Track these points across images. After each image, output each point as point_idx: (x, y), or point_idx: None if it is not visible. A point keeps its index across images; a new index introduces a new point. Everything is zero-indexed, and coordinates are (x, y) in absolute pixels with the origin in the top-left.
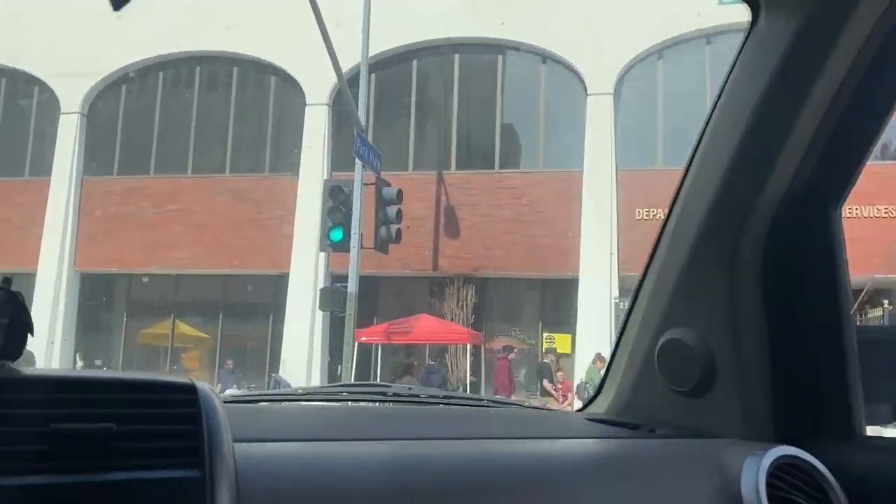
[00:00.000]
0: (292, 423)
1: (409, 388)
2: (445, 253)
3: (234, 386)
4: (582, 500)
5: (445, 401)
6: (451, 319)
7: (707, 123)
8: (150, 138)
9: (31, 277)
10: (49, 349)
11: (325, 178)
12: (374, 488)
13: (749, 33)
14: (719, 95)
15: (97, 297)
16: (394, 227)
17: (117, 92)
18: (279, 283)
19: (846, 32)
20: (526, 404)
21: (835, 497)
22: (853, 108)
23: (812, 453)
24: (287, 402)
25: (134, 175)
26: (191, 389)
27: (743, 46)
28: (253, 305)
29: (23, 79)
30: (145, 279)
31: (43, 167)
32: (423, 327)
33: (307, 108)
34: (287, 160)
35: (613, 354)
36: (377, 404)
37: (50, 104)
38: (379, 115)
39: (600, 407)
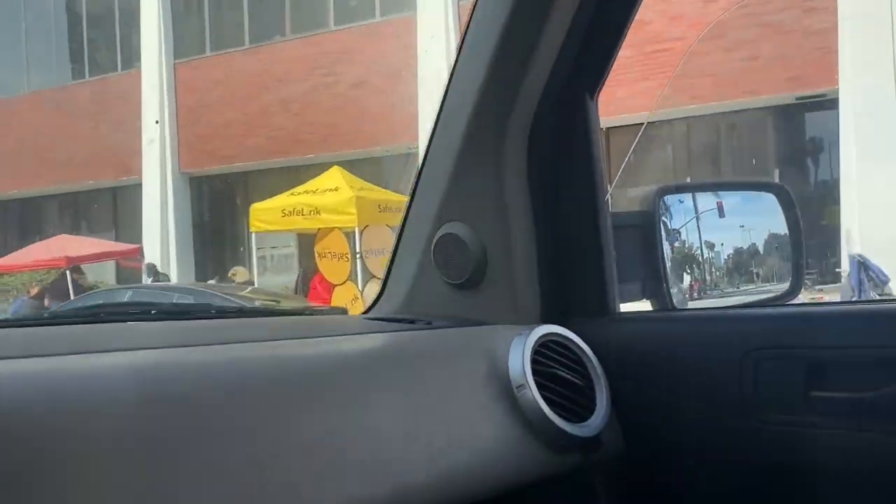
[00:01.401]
0: (27, 344)
1: (176, 305)
2: None
3: None
4: (356, 394)
5: (218, 314)
6: None
7: (469, 18)
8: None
9: (138, 189)
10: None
11: None
12: (112, 399)
13: None
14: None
15: (211, 203)
16: None
17: None
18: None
19: None
20: (309, 311)
21: (591, 366)
22: (601, 8)
23: (572, 331)
24: (36, 326)
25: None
26: None
27: None
28: None
29: None
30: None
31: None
32: None
33: None
34: None
35: (394, 253)
36: (140, 322)
37: None
38: None
39: (382, 308)
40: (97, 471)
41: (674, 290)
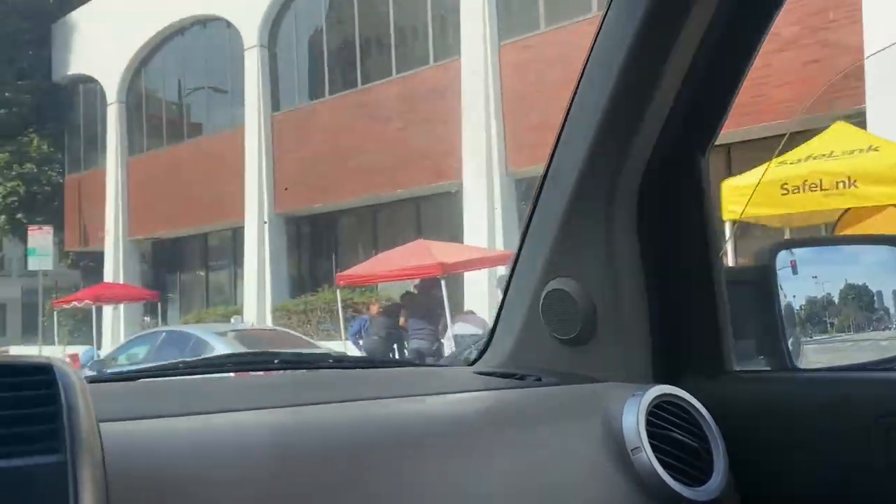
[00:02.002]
0: (167, 398)
1: (298, 355)
2: None
3: None
4: (469, 452)
5: (336, 364)
6: None
7: (581, 75)
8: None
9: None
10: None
11: None
12: (253, 458)
13: None
14: (591, 49)
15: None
16: None
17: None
18: None
19: None
20: (418, 362)
21: (707, 428)
22: (717, 59)
23: (687, 390)
24: (164, 378)
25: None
26: (46, 369)
27: (606, 11)
28: None
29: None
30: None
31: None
32: None
33: None
34: None
35: (501, 307)
36: (263, 373)
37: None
38: None
39: (489, 360)
40: None
41: (794, 349)
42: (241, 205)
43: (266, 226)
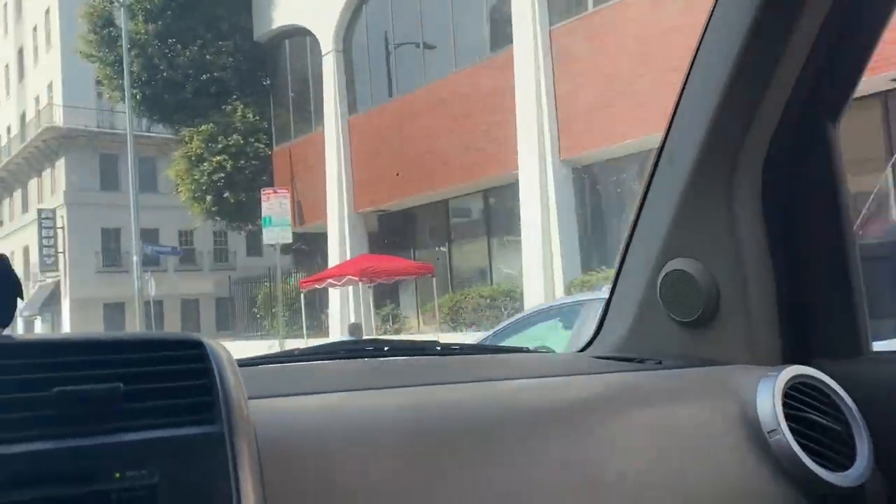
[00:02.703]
0: (298, 379)
1: (411, 343)
2: None
3: None
4: (595, 434)
5: (445, 351)
6: None
7: (699, 44)
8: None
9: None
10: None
11: None
12: (395, 434)
13: None
14: (709, 17)
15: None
16: None
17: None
18: None
19: None
20: (527, 349)
21: (848, 412)
22: (848, 22)
23: (822, 372)
24: (287, 363)
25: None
26: (197, 345)
27: None
28: None
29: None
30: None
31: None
32: None
33: None
34: None
35: (612, 290)
36: (378, 359)
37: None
38: None
39: (602, 345)
40: (372, 492)
41: None
42: (514, 154)
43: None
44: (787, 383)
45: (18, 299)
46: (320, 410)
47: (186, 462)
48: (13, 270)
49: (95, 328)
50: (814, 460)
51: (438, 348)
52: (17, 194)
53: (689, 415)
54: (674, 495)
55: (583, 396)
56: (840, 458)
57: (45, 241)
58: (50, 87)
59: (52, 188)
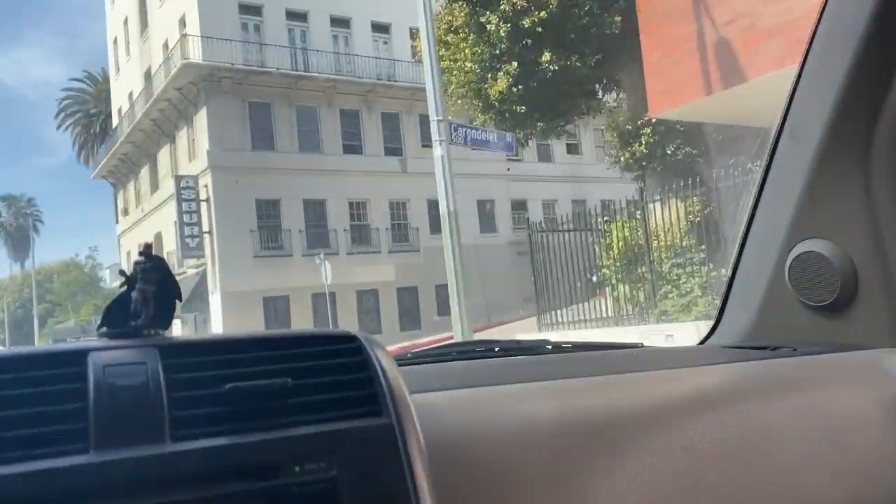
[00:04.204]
0: (439, 376)
1: (519, 343)
2: None
3: None
4: (736, 424)
5: (555, 350)
6: None
7: (820, 16)
8: None
9: None
10: None
11: None
12: (543, 425)
13: None
14: None
15: None
16: None
17: None
18: None
19: None
20: (641, 345)
21: None
22: None
23: None
24: (412, 365)
25: None
26: (353, 339)
27: None
28: None
29: None
30: None
31: None
32: None
33: None
34: None
35: (733, 275)
36: (488, 359)
37: None
38: None
39: (726, 335)
40: (529, 482)
41: None
42: None
43: None
44: None
45: (177, 301)
46: (472, 403)
47: (361, 453)
48: (171, 273)
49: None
50: None
51: (549, 346)
52: (145, 172)
53: (838, 401)
54: (833, 483)
55: (716, 386)
56: None
57: (186, 219)
58: (182, 21)
59: (191, 152)
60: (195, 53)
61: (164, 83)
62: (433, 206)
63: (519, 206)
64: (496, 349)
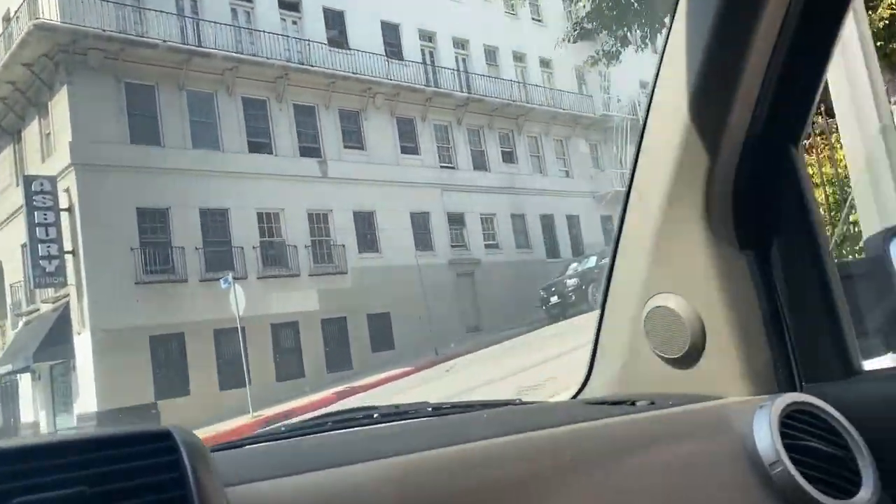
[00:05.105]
0: (282, 459)
1: (397, 407)
2: None
3: None
4: (597, 486)
5: (436, 412)
6: None
7: (655, 82)
8: None
9: None
10: None
11: None
12: None
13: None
14: (662, 54)
15: None
16: None
17: None
18: None
19: None
20: (519, 401)
21: (847, 435)
22: (796, 51)
23: (816, 397)
24: (271, 441)
25: None
26: (166, 436)
27: (673, 15)
28: None
29: None
30: None
31: None
32: None
33: None
34: None
35: (598, 331)
36: (367, 427)
37: None
38: None
39: (594, 388)
40: None
41: None
42: None
43: None
44: (782, 412)
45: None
46: (303, 491)
47: None
48: None
49: (139, 381)
50: (818, 489)
51: (430, 409)
52: None
53: (689, 454)
54: None
55: (581, 447)
56: (845, 483)
57: (40, 234)
58: None
59: (45, 148)
60: (52, 8)
61: (5, 58)
62: (361, 218)
63: (456, 220)
64: (375, 415)
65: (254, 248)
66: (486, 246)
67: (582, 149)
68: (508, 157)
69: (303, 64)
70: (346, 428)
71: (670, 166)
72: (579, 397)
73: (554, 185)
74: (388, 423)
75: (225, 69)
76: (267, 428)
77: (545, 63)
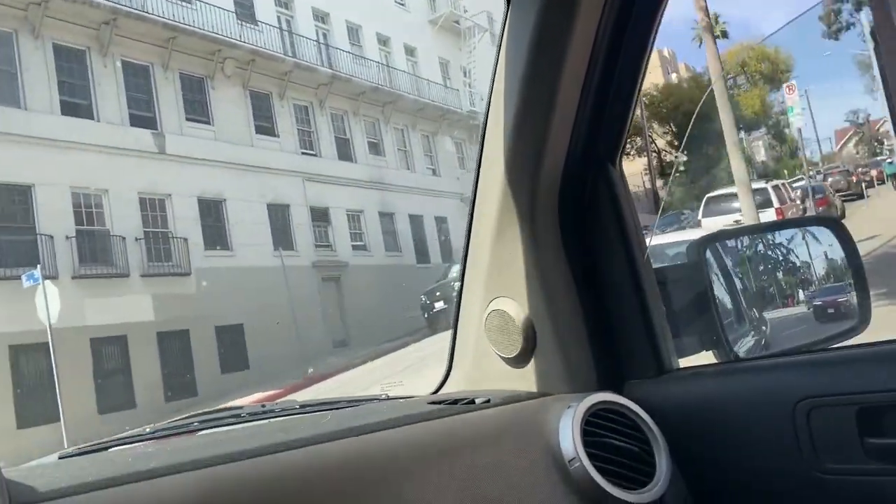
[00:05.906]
0: (113, 467)
1: (263, 406)
2: None
3: None
4: (422, 482)
5: (301, 410)
6: None
7: (490, 95)
8: None
9: None
10: None
11: None
12: None
13: (504, 22)
14: (494, 70)
15: None
16: None
17: None
18: None
19: (581, 18)
20: (383, 396)
21: (648, 431)
22: (607, 83)
23: (631, 394)
24: (126, 446)
25: None
26: None
27: (501, 35)
28: None
29: None
30: None
31: None
32: None
33: None
34: None
35: (454, 332)
36: (230, 427)
37: None
38: None
39: (450, 386)
40: None
41: (734, 339)
42: None
43: None
44: (587, 411)
45: None
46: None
47: None
48: None
49: None
50: (612, 482)
51: (297, 406)
52: None
53: (510, 452)
54: None
55: (411, 446)
56: (642, 477)
57: None
58: None
59: None
60: None
61: None
62: (208, 207)
63: (320, 215)
64: (242, 414)
65: (67, 237)
66: (354, 247)
67: (448, 147)
68: (375, 148)
69: (136, 9)
70: (212, 428)
71: (501, 178)
72: (438, 394)
73: (421, 184)
74: (254, 423)
75: (30, 2)
76: (132, 430)
77: (410, 51)
